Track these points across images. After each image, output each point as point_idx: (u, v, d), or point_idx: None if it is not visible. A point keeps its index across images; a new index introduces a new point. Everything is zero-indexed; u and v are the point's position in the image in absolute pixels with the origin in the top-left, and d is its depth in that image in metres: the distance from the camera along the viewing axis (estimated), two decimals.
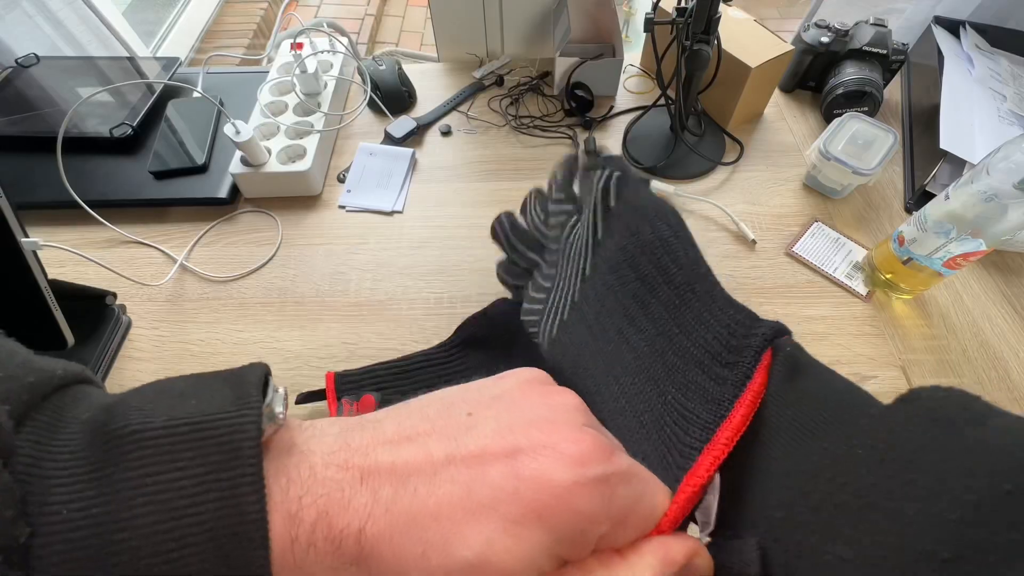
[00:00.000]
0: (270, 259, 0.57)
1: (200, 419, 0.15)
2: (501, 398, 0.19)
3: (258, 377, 0.17)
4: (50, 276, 0.42)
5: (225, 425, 0.15)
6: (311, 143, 0.61)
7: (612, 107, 0.71)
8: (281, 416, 0.17)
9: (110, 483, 0.14)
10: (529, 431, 0.17)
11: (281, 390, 0.18)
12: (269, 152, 0.60)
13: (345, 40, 0.74)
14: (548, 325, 0.32)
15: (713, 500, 0.19)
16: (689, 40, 0.54)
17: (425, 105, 0.72)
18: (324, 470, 0.16)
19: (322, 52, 0.71)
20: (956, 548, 0.13)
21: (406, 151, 0.65)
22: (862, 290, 0.54)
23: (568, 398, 0.20)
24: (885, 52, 0.65)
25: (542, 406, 0.19)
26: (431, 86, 0.74)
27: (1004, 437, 0.14)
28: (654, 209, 0.26)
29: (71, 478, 0.14)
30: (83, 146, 0.62)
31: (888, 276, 0.52)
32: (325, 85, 0.68)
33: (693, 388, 0.22)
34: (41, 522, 0.13)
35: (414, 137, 0.68)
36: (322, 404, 0.45)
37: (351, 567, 0.15)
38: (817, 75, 0.70)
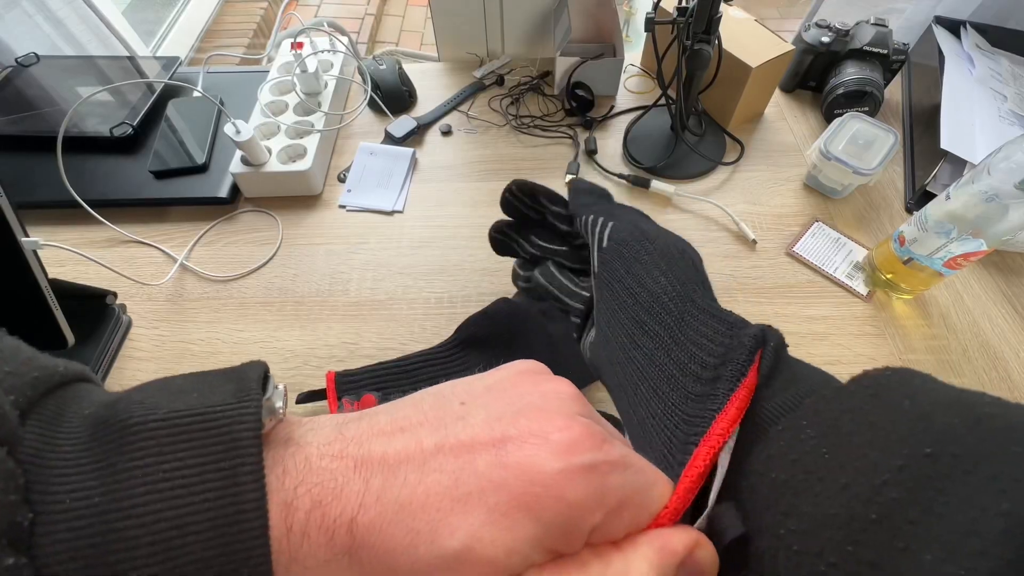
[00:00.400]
0: (270, 259, 0.57)
1: (201, 411, 0.15)
2: (493, 388, 0.19)
3: (258, 373, 0.17)
4: (50, 275, 0.42)
5: (226, 416, 0.15)
6: (311, 143, 0.61)
7: (612, 107, 0.71)
8: (280, 411, 0.17)
9: (112, 473, 0.14)
10: (518, 420, 0.17)
11: (281, 387, 0.18)
12: (269, 152, 0.60)
13: (345, 40, 0.74)
14: (584, 345, 0.34)
15: (714, 489, 0.19)
16: (690, 40, 0.54)
17: (425, 105, 0.72)
18: (319, 460, 0.16)
19: (322, 52, 0.71)
20: (881, 508, 0.14)
21: (406, 151, 0.65)
22: (863, 290, 0.54)
23: (562, 386, 0.19)
24: (886, 52, 0.65)
25: (534, 394, 0.19)
26: (431, 86, 0.74)
27: (931, 406, 0.16)
28: (641, 242, 0.28)
29: (74, 469, 0.14)
30: (83, 145, 0.62)
31: (889, 276, 0.52)
32: (325, 85, 0.68)
33: (692, 393, 0.22)
34: (44, 510, 0.13)
35: (414, 137, 0.68)
36: (322, 404, 0.45)
37: (343, 558, 0.15)
38: (818, 75, 0.70)
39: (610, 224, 0.30)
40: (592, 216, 0.31)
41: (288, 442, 0.17)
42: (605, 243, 0.30)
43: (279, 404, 0.17)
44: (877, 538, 0.14)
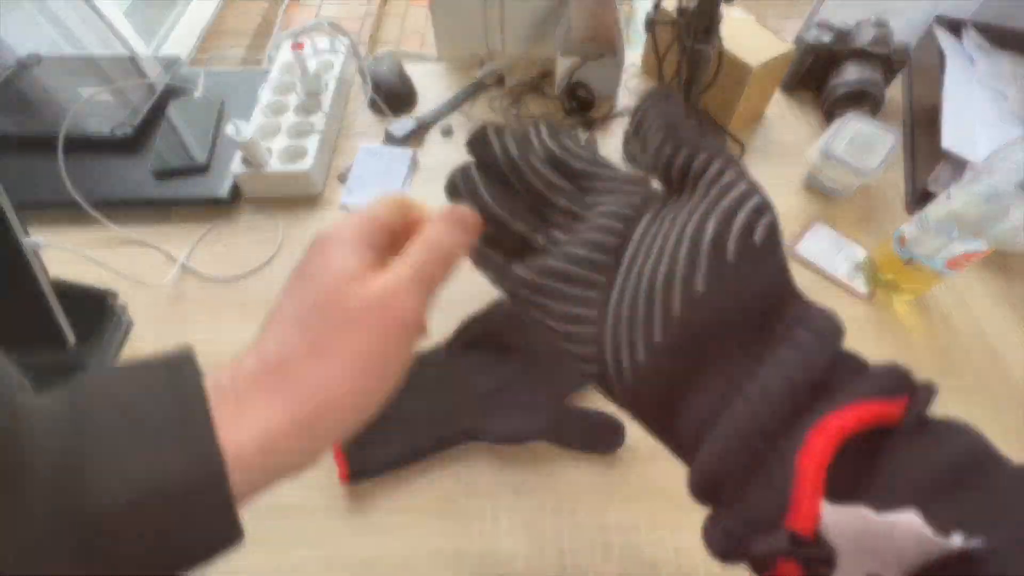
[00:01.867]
0: (271, 259, 0.57)
1: (164, 497, 0.16)
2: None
3: (200, 405, 0.18)
4: (51, 275, 0.42)
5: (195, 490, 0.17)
6: (312, 143, 0.61)
7: (613, 107, 0.71)
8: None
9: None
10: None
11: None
12: (270, 152, 0.60)
13: (346, 40, 0.74)
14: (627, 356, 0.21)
15: None
16: (691, 40, 0.54)
17: (426, 105, 0.72)
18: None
19: (323, 52, 0.71)
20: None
21: (407, 151, 0.65)
22: (864, 290, 0.54)
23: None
24: (886, 52, 0.65)
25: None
26: (432, 86, 0.74)
27: None
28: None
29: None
30: (84, 146, 0.62)
31: (890, 276, 0.52)
32: (326, 85, 0.68)
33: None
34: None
35: (415, 137, 0.68)
36: None
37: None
38: (818, 75, 0.70)
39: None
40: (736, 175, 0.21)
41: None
42: (733, 257, 0.20)
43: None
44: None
